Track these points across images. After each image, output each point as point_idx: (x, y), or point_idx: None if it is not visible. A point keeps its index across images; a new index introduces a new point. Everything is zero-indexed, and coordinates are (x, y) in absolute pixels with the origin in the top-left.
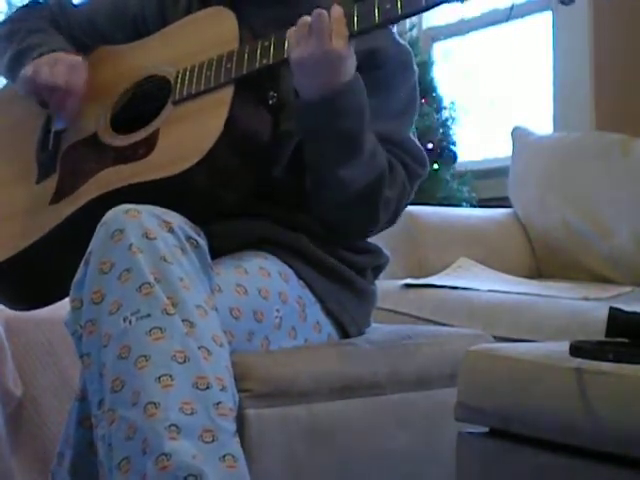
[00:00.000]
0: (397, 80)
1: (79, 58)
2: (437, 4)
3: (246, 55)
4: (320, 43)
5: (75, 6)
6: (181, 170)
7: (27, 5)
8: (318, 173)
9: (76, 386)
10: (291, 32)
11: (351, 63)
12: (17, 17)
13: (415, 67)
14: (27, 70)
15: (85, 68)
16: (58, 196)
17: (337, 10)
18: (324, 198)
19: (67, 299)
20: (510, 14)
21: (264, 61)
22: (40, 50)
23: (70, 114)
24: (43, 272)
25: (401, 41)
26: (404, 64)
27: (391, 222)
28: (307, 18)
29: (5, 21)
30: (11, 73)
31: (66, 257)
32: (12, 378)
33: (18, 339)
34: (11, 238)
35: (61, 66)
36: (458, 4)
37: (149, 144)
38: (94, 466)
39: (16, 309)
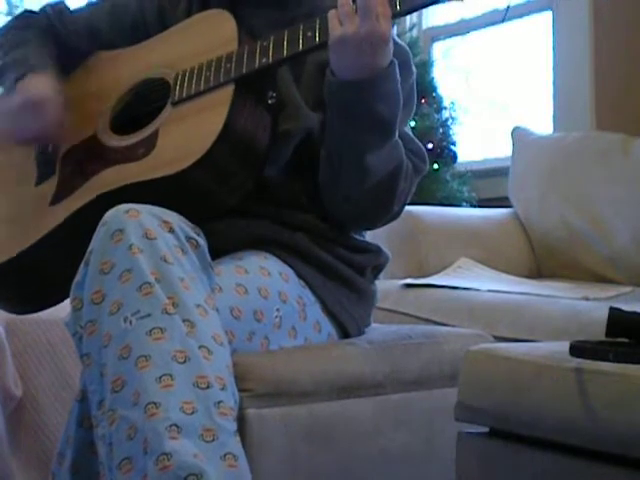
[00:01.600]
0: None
1: (42, 93)
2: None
3: (245, 55)
4: (365, 22)
5: (74, 12)
6: (180, 169)
7: (25, 12)
8: (344, 158)
9: (76, 386)
10: (333, 12)
11: (391, 47)
12: (6, 28)
13: (413, 67)
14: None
15: (53, 100)
16: (58, 197)
17: None
18: (343, 187)
19: (67, 300)
20: (506, 15)
21: (264, 61)
22: (20, 70)
23: (60, 135)
24: (43, 273)
25: (399, 41)
26: (403, 63)
27: (398, 214)
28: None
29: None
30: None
31: (66, 258)
32: (12, 378)
33: (18, 339)
34: (11, 240)
35: (26, 119)
36: (461, 2)
37: (148, 144)
38: (95, 466)
39: (16, 312)
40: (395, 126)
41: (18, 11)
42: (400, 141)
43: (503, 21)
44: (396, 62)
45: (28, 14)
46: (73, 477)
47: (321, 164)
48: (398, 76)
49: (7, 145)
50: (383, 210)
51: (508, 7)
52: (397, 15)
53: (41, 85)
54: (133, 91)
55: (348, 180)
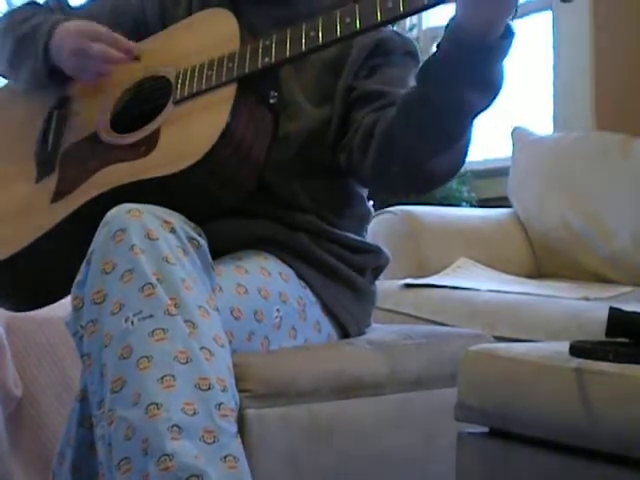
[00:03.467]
0: (404, 65)
1: (89, 21)
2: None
3: (248, 55)
4: None
5: (74, 8)
6: (181, 168)
7: (25, 3)
8: (442, 122)
9: (76, 386)
10: None
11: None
12: (12, 12)
13: (420, 57)
14: (59, 59)
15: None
16: (58, 195)
17: None
18: (427, 146)
19: (68, 299)
20: (515, 13)
21: (266, 60)
22: (47, 26)
23: (107, 65)
24: (43, 271)
25: (402, 33)
26: (410, 53)
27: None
28: None
29: (1, 19)
30: (11, 69)
31: (67, 255)
32: (12, 378)
33: (18, 339)
34: (12, 237)
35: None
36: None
37: (150, 143)
38: (95, 466)
39: (16, 310)
40: (498, 93)
41: None
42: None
43: (513, 19)
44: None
45: (33, 3)
46: (73, 477)
47: (399, 129)
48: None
49: (7, 142)
50: (451, 172)
51: (517, 5)
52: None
53: (79, 21)
54: (134, 89)
55: (439, 143)
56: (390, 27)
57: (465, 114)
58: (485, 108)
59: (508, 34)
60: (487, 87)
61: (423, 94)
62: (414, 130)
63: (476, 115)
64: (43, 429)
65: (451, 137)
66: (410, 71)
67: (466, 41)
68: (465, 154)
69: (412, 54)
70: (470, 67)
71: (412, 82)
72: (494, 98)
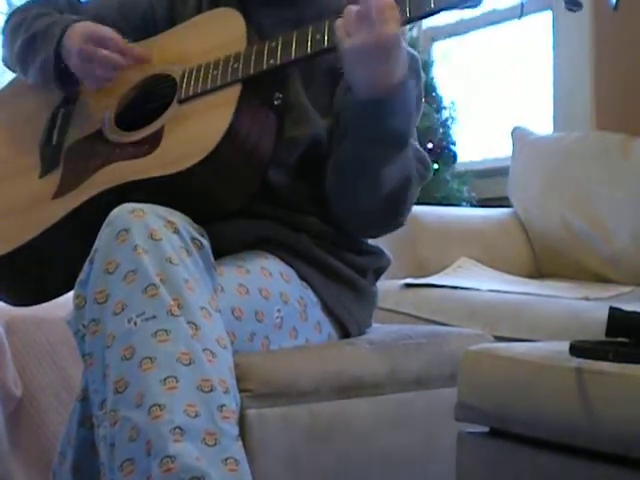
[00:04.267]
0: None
1: (98, 26)
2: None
3: (253, 55)
4: (373, 29)
5: (83, 4)
6: (184, 168)
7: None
8: (357, 171)
9: (76, 386)
10: (339, 23)
11: (405, 53)
12: (24, 8)
13: (422, 74)
14: (69, 60)
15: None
16: (61, 191)
17: None
18: (354, 197)
19: (68, 297)
20: (522, 12)
21: (271, 62)
22: (59, 28)
23: (110, 72)
24: (45, 266)
25: (409, 48)
26: (412, 70)
27: (403, 223)
28: (353, 7)
29: (12, 14)
30: (24, 61)
31: (68, 252)
32: (12, 378)
33: (18, 339)
34: (14, 232)
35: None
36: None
37: (153, 141)
38: (96, 466)
39: (17, 304)
40: (409, 138)
41: None
42: (409, 151)
43: (520, 17)
44: (407, 73)
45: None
46: (74, 477)
47: (330, 174)
48: (412, 87)
49: (12, 137)
50: (392, 220)
51: (522, 4)
52: (407, 22)
53: (88, 24)
54: (140, 87)
55: (360, 191)
56: None
57: (376, 165)
58: (393, 158)
59: (401, 88)
60: (387, 140)
61: (338, 146)
62: (339, 175)
63: (385, 164)
64: (43, 429)
65: (373, 185)
66: (409, 96)
67: (356, 101)
68: (400, 206)
69: (414, 71)
70: (368, 123)
71: (407, 109)
72: (400, 147)
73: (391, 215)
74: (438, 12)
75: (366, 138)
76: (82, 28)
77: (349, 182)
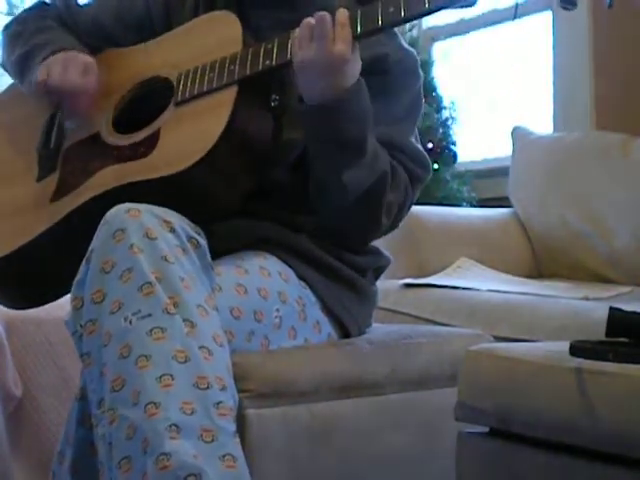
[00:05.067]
0: (402, 85)
1: (90, 58)
2: (440, 9)
3: (249, 57)
4: (322, 46)
5: (81, 7)
6: (181, 169)
7: (34, 5)
8: (320, 176)
9: (76, 386)
10: (295, 34)
11: (355, 67)
12: (24, 17)
13: (420, 73)
14: (39, 73)
15: (96, 67)
16: (59, 194)
17: (342, 13)
18: (326, 201)
19: (68, 298)
20: (516, 13)
21: (267, 63)
22: (49, 50)
23: (83, 114)
24: (42, 269)
25: (408, 47)
26: (409, 70)
27: (393, 226)
28: (311, 20)
29: (12, 22)
30: (19, 74)
31: (66, 254)
32: (12, 378)
33: (18, 339)
34: (11, 235)
35: (73, 68)
36: (459, 9)
37: (150, 144)
38: (95, 465)
39: (15, 307)
40: (365, 144)
41: (18, 11)
42: (383, 153)
43: (514, 18)
44: (362, 80)
45: (43, 4)
46: (73, 476)
47: (310, 183)
48: (365, 93)
49: (10, 140)
50: (370, 224)
51: (517, 5)
52: (358, 37)
53: (77, 53)
54: (136, 90)
55: (329, 197)
56: (395, 36)
57: (336, 170)
58: (353, 163)
59: (350, 96)
60: (344, 145)
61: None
62: (311, 178)
63: (345, 169)
64: (43, 429)
65: (339, 184)
66: (403, 91)
67: (306, 109)
68: (375, 210)
69: (412, 72)
70: (319, 130)
71: (406, 100)
72: (358, 153)
73: (368, 219)
74: (433, 12)
75: (320, 144)
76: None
77: (319, 189)
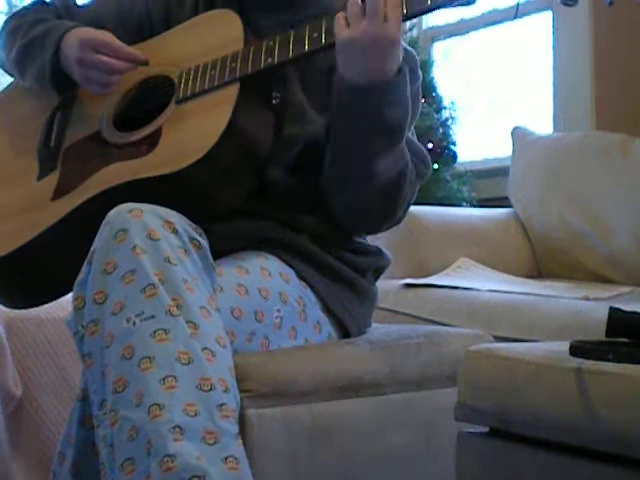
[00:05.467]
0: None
1: (96, 31)
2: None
3: (251, 55)
4: (374, 24)
5: (80, 7)
6: (182, 167)
7: (32, 3)
8: (351, 162)
9: (76, 386)
10: (341, 14)
11: (400, 50)
12: (21, 13)
13: (420, 72)
14: (68, 67)
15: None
16: (59, 193)
17: None
18: (349, 190)
19: (68, 298)
20: (517, 12)
21: (269, 60)
22: (56, 35)
23: (110, 77)
24: (43, 269)
25: (407, 46)
26: (410, 69)
27: (401, 219)
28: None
29: (9, 19)
30: (19, 69)
31: (67, 253)
32: (12, 378)
33: (18, 339)
34: (11, 234)
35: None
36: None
37: (151, 142)
38: (96, 466)
39: (15, 307)
40: (404, 131)
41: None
42: (405, 146)
43: (515, 18)
44: (407, 68)
45: (41, 3)
46: (74, 477)
47: (326, 168)
48: (408, 82)
49: (11, 140)
50: (387, 214)
51: (518, 4)
52: (406, 18)
53: (84, 30)
54: (138, 88)
55: (355, 184)
56: None
57: (369, 155)
58: (387, 149)
59: (395, 80)
60: (384, 130)
61: (332, 137)
62: (334, 167)
63: (379, 156)
64: (43, 429)
65: (366, 177)
66: (403, 89)
67: (349, 89)
68: (395, 199)
69: (412, 70)
70: (361, 112)
71: (402, 101)
72: (395, 139)
73: (387, 209)
74: (434, 10)
75: (360, 126)
76: (79, 34)
77: (343, 173)
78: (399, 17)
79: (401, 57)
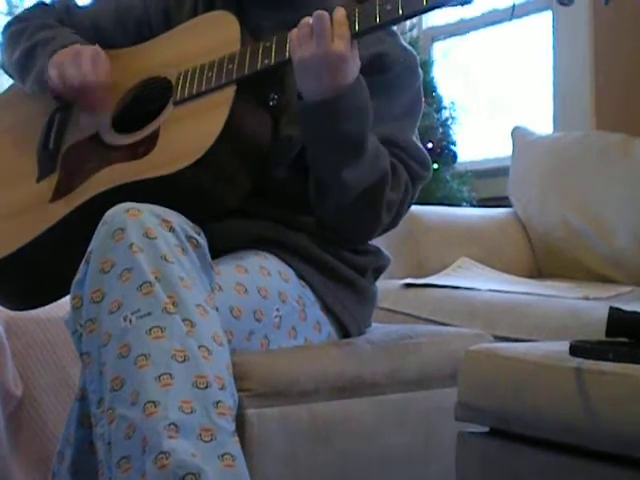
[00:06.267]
0: (402, 84)
1: (97, 47)
2: (438, 6)
3: (248, 56)
4: (321, 44)
5: (80, 8)
6: (180, 169)
7: (34, 6)
8: (320, 175)
9: (76, 386)
10: (293, 33)
11: (354, 65)
12: (25, 16)
13: (420, 72)
14: (52, 75)
15: (104, 54)
16: (58, 194)
17: (339, 12)
18: (326, 200)
19: (68, 298)
20: (512, 13)
21: (266, 61)
22: (53, 46)
23: (102, 106)
24: (42, 269)
25: (407, 46)
26: (409, 68)
27: (394, 224)
28: (309, 19)
29: (13, 21)
30: (21, 71)
31: (66, 254)
32: (12, 378)
33: (18, 339)
34: (11, 236)
35: (85, 60)
36: (458, 7)
37: (149, 143)
38: (95, 465)
39: (15, 308)
40: (365, 142)
41: (18, 11)
42: (384, 151)
43: (511, 19)
44: (361, 79)
45: (43, 5)
46: (73, 476)
47: (309, 182)
48: (365, 91)
49: (10, 142)
50: (371, 222)
51: (514, 5)
52: (356, 35)
53: (82, 46)
54: (135, 90)
55: (329, 195)
56: (395, 35)
57: (334, 167)
58: (352, 161)
59: (348, 93)
60: (342, 142)
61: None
62: (310, 178)
63: (344, 167)
64: (43, 429)
65: (339, 182)
66: (403, 89)
67: (305, 106)
68: (375, 209)
69: (411, 70)
70: (318, 126)
71: (406, 98)
72: (357, 151)
73: (368, 218)
74: (431, 10)
75: (319, 141)
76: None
77: (319, 187)
78: (346, 34)
79: (356, 70)
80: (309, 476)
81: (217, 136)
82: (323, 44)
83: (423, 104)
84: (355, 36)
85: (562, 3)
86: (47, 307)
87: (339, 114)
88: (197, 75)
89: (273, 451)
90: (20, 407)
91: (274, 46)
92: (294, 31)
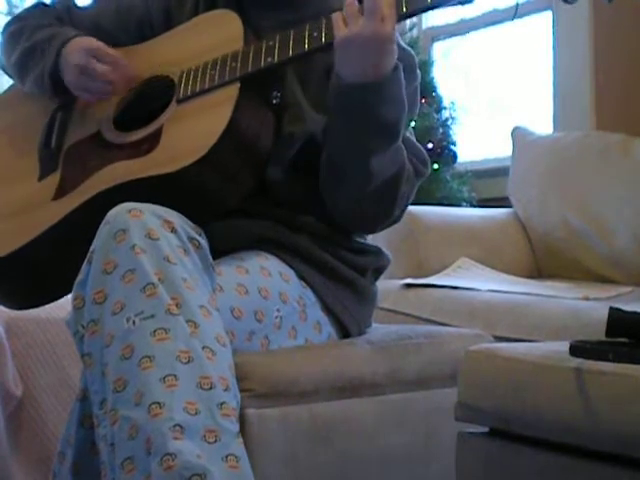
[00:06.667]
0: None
1: (99, 42)
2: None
3: (251, 54)
4: (370, 23)
5: (81, 8)
6: (182, 167)
7: (33, 6)
8: (344, 162)
9: (76, 386)
10: (338, 13)
11: (395, 50)
12: (24, 15)
13: (418, 71)
14: (66, 74)
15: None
16: (60, 192)
17: None
18: (346, 190)
19: (68, 298)
20: (516, 13)
21: (269, 60)
22: (59, 41)
23: (109, 86)
24: (44, 268)
25: (406, 46)
26: (408, 68)
27: (399, 218)
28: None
29: (12, 21)
30: (20, 72)
31: (68, 253)
32: (12, 378)
33: (18, 339)
34: (13, 234)
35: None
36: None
37: (152, 141)
38: (96, 466)
39: (16, 308)
40: (400, 130)
41: (18, 11)
42: (402, 145)
43: (513, 19)
44: (401, 66)
45: (42, 5)
46: (74, 477)
47: (322, 167)
48: (403, 80)
49: (12, 141)
50: (384, 213)
51: (517, 4)
52: (403, 17)
53: (90, 39)
54: (139, 88)
55: (351, 183)
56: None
57: (365, 155)
58: (383, 148)
59: (391, 78)
60: (380, 128)
61: (328, 136)
62: (331, 166)
63: (375, 155)
64: (43, 429)
65: (363, 176)
66: (399, 87)
67: (346, 88)
68: (393, 198)
69: (410, 70)
70: (358, 110)
71: (398, 99)
72: (391, 138)
73: (383, 208)
74: (433, 8)
75: (355, 125)
76: (82, 42)
77: (339, 173)
78: (394, 16)
79: (396, 55)
80: (309, 476)
81: (221, 134)
82: (373, 22)
83: (419, 104)
84: (401, 18)
85: (566, 1)
86: (47, 307)
87: (381, 98)
88: (200, 73)
89: (273, 451)
90: (20, 407)
91: (277, 45)
92: (338, 12)
